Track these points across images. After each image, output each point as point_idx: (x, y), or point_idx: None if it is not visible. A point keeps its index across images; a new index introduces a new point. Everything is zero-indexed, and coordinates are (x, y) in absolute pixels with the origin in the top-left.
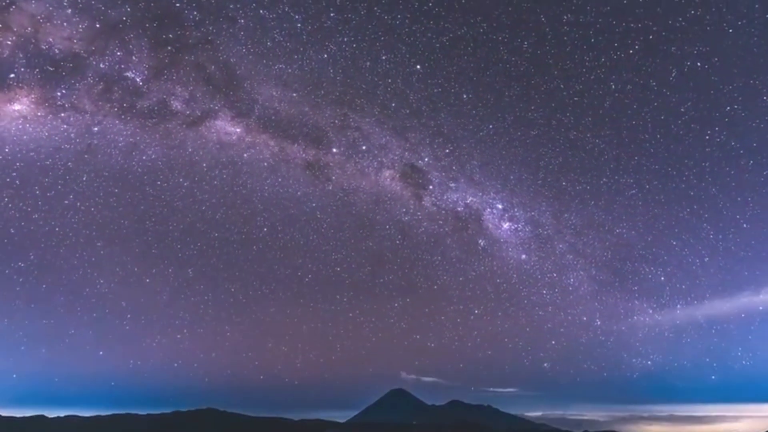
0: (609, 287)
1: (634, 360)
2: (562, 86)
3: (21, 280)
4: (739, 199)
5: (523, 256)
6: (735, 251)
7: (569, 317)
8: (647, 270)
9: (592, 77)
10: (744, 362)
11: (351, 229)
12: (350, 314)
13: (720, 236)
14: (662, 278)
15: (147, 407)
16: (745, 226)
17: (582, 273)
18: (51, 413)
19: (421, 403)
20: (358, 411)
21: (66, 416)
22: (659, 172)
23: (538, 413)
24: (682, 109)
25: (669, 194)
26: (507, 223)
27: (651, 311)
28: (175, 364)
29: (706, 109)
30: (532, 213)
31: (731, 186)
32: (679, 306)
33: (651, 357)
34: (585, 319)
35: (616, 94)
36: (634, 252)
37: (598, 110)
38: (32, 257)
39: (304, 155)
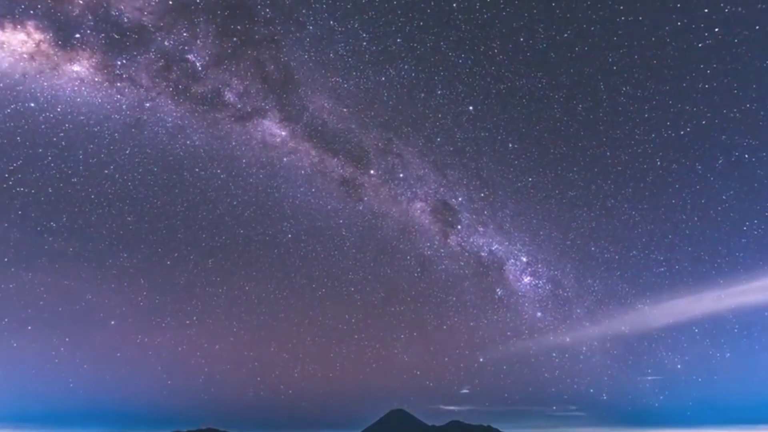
0: (622, 363)
1: None
2: (608, 153)
3: (51, 239)
4: None
5: (539, 314)
6: (759, 352)
7: (575, 386)
8: (664, 354)
9: (639, 150)
10: None
11: (372, 252)
12: (355, 336)
13: (745, 332)
14: (679, 366)
15: (146, 426)
16: None
17: (596, 343)
18: None
19: (421, 423)
20: None
21: None
22: (691, 255)
23: None
24: (724, 197)
25: (698, 278)
26: (528, 278)
27: (662, 398)
28: (180, 348)
29: (747, 200)
30: (555, 272)
31: (764, 282)
32: (692, 400)
33: None
34: (592, 391)
35: (660, 171)
36: (653, 332)
37: (639, 183)
38: (64, 219)
39: (341, 171)
